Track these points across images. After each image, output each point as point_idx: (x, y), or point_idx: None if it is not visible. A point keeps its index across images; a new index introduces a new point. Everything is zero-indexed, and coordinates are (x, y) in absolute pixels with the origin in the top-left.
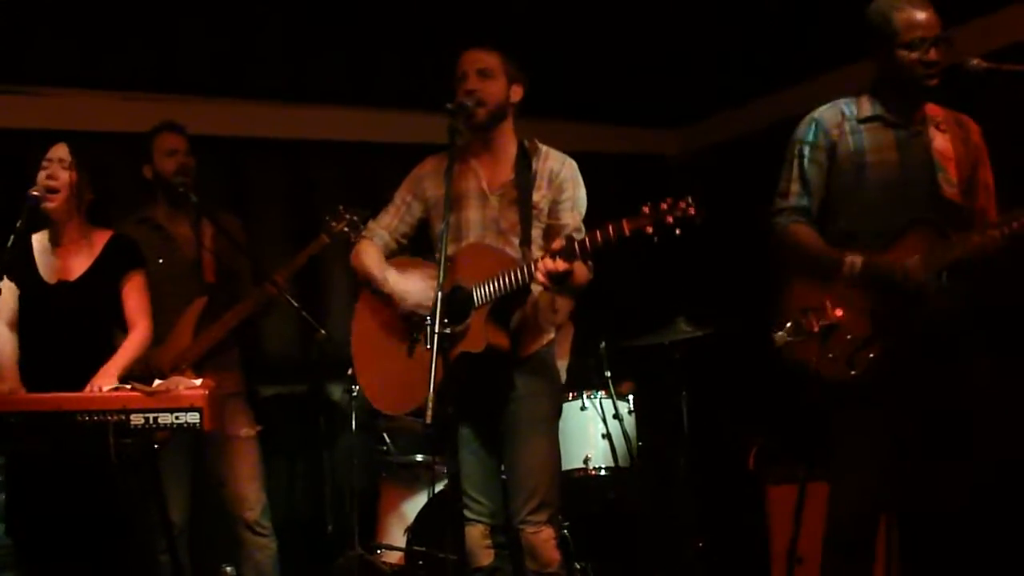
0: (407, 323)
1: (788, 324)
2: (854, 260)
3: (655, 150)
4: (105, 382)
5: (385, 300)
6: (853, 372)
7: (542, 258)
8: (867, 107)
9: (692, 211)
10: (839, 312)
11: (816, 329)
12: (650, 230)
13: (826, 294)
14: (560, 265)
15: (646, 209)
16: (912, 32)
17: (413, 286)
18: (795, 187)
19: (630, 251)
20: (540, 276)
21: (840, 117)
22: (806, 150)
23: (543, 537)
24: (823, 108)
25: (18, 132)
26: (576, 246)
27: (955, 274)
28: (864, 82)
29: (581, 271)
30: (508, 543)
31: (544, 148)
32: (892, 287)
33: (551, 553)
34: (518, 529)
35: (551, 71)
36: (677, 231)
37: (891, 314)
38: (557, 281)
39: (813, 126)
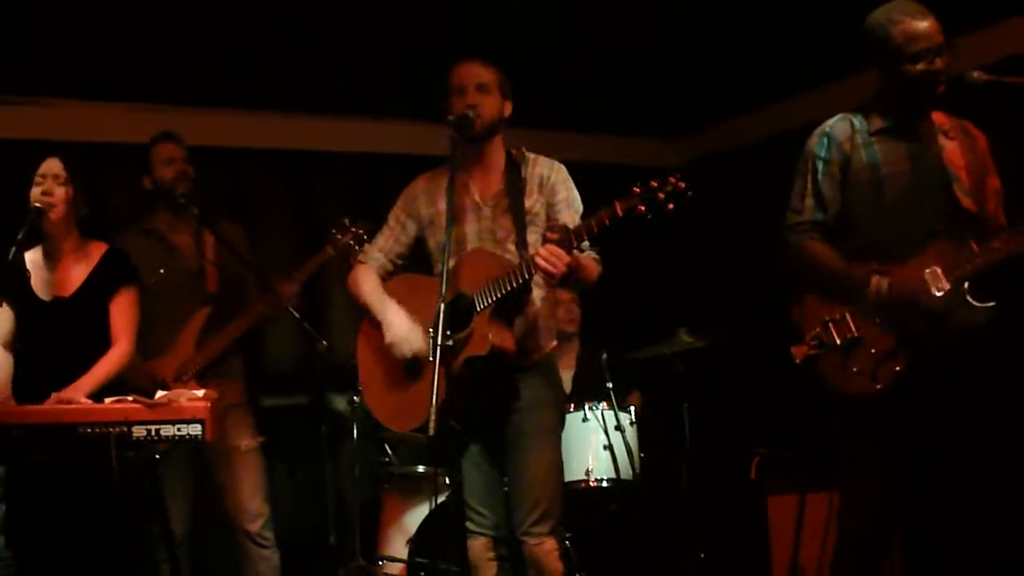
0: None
1: (809, 337)
2: (880, 283)
3: (652, 161)
4: (72, 397)
5: None
6: (879, 386)
7: (540, 248)
8: (877, 120)
9: (682, 185)
10: (862, 326)
11: (839, 342)
12: (643, 208)
13: (845, 307)
14: (560, 253)
15: (636, 189)
16: (915, 44)
17: (406, 330)
18: (809, 202)
19: (629, 245)
20: (540, 262)
21: (851, 130)
22: (820, 164)
23: (546, 549)
24: (833, 121)
25: (21, 143)
26: (571, 234)
27: (977, 284)
28: (865, 94)
29: (590, 264)
30: (511, 555)
31: (531, 155)
32: (918, 309)
33: (554, 565)
34: (520, 541)
35: (549, 82)
36: (670, 207)
37: (915, 327)
38: (559, 271)
39: (825, 140)
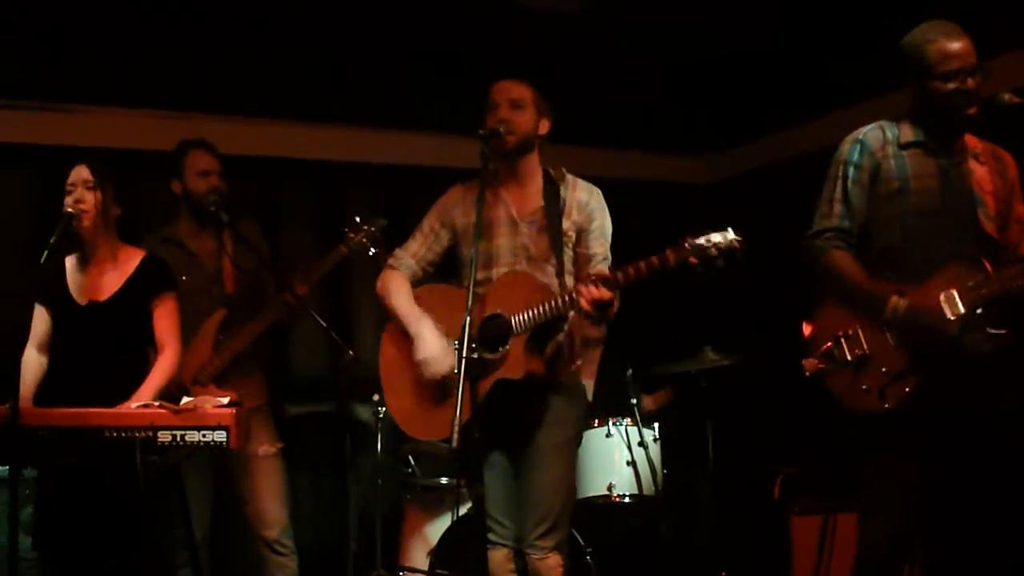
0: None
1: (820, 351)
2: (898, 304)
3: (683, 178)
4: (146, 402)
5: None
6: (886, 405)
7: (585, 287)
8: (909, 132)
9: (737, 245)
10: (874, 344)
11: (850, 358)
12: (694, 261)
13: (859, 321)
14: (605, 293)
15: (687, 244)
16: (947, 63)
17: (440, 349)
18: (838, 208)
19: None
20: (585, 304)
21: (883, 139)
22: (851, 171)
23: (549, 564)
24: (867, 128)
25: (51, 148)
26: (620, 275)
27: (990, 309)
28: (901, 111)
29: (615, 302)
30: (519, 568)
31: (570, 177)
32: (933, 334)
33: None
34: (525, 554)
35: (581, 98)
36: (720, 263)
37: (927, 349)
38: (600, 309)
39: (858, 147)
